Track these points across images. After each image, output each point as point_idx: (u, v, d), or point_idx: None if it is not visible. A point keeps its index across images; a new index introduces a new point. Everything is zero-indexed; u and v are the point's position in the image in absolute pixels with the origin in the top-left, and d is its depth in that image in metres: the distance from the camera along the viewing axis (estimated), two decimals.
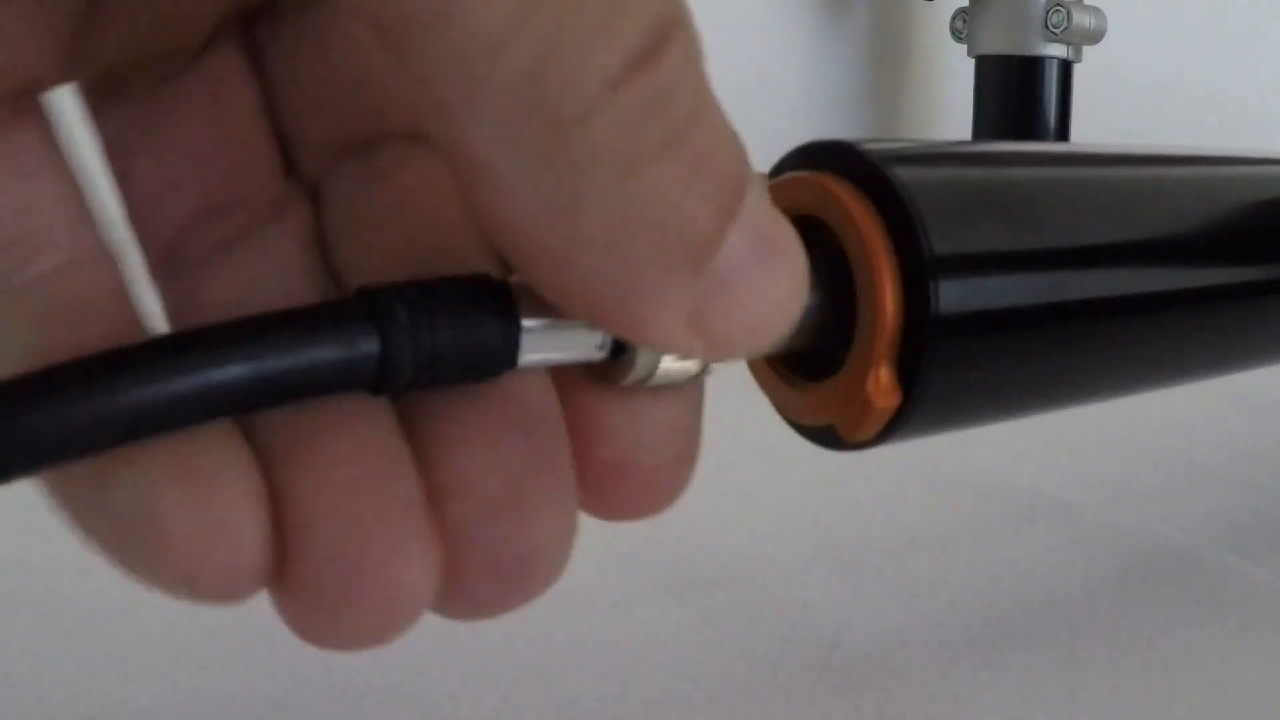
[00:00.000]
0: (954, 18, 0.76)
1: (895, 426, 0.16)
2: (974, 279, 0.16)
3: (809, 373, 0.17)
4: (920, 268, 0.16)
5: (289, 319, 0.12)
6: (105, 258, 0.13)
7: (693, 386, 0.15)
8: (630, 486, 0.14)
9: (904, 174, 0.16)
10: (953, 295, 0.16)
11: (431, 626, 0.13)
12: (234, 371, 0.11)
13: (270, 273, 0.14)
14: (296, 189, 0.15)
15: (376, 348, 0.12)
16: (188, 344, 0.11)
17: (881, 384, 0.16)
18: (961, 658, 0.23)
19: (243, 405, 0.11)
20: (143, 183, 0.14)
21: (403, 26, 0.10)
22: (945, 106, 0.83)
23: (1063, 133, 0.73)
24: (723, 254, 0.11)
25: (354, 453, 0.12)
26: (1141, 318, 0.20)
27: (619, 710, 0.21)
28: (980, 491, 0.34)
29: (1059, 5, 0.71)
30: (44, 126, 0.13)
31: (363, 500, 0.12)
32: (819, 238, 0.16)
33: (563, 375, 0.14)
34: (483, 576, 0.13)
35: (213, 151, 0.14)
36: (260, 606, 0.13)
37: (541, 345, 0.13)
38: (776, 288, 0.12)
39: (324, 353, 0.11)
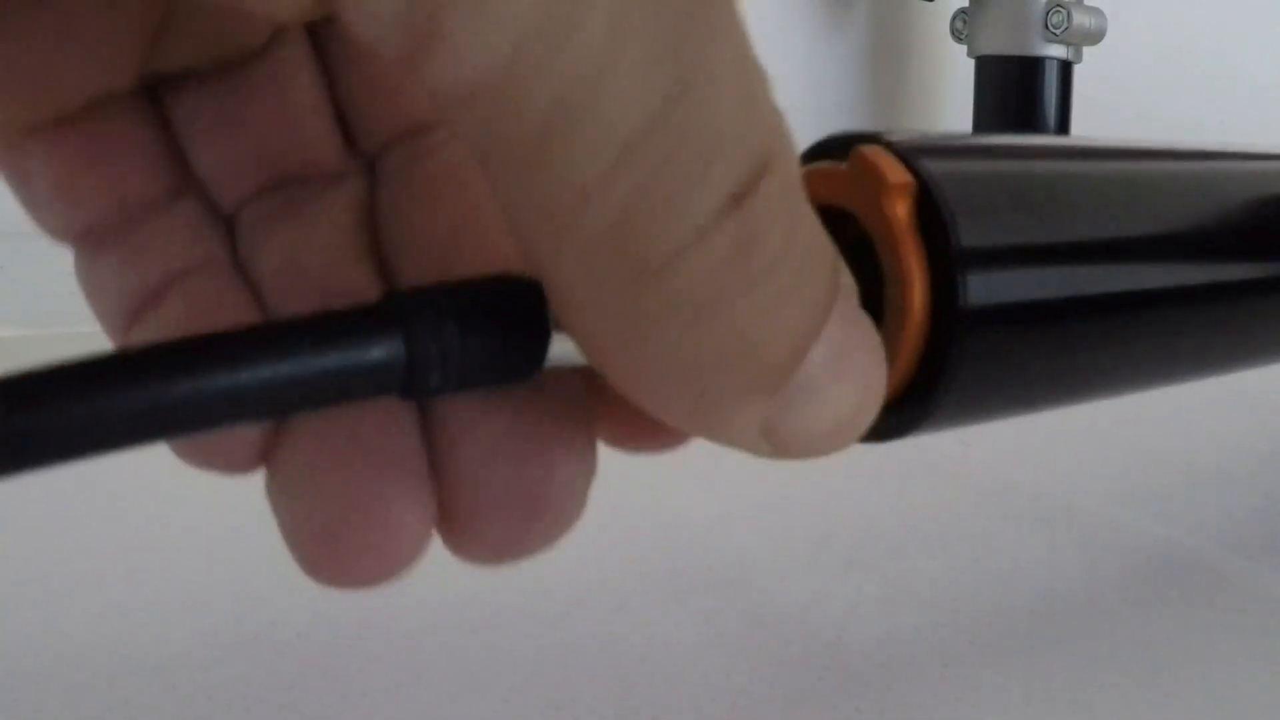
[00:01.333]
0: (954, 18, 0.76)
1: (920, 420, 0.16)
2: (1002, 272, 0.16)
3: None
4: (949, 260, 0.16)
5: (314, 325, 0.11)
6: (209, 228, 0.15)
7: None
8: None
9: (932, 166, 0.16)
10: (981, 288, 0.16)
11: (433, 627, 0.13)
12: (256, 375, 0.11)
13: (321, 240, 0.15)
14: (355, 163, 0.16)
15: (403, 354, 0.12)
16: (210, 347, 0.11)
17: None
18: (963, 658, 0.23)
19: (267, 410, 0.11)
20: (206, 159, 0.15)
21: (498, 160, 0.10)
22: (945, 106, 0.83)
23: (1063, 133, 0.73)
24: (800, 374, 0.11)
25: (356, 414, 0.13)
26: (1169, 312, 0.20)
27: (619, 711, 0.21)
28: (981, 491, 0.34)
29: (1059, 5, 0.71)
30: (142, 111, 0.15)
31: (359, 451, 0.13)
32: (846, 229, 0.16)
33: None
34: (494, 515, 0.13)
35: (276, 135, 0.15)
36: (260, 608, 0.13)
37: (571, 345, 0.13)
38: (852, 399, 0.12)
39: (350, 359, 0.11)
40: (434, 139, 0.15)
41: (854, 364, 0.12)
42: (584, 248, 0.10)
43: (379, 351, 0.11)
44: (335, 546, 0.13)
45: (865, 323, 0.12)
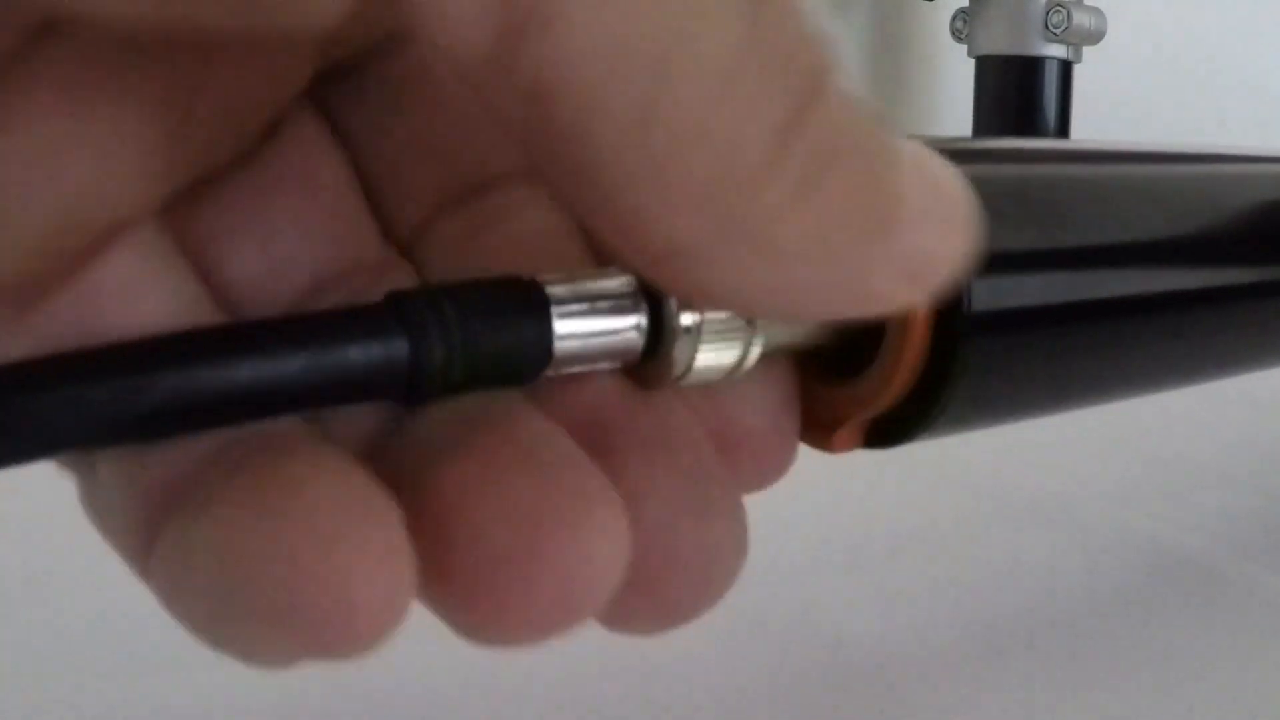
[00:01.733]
0: (954, 18, 0.76)
1: (924, 425, 0.16)
2: (1006, 277, 0.16)
3: (835, 369, 0.17)
4: None
5: (314, 323, 0.11)
6: None
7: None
8: (742, 461, 0.15)
9: None
10: (985, 293, 0.16)
11: (433, 626, 0.13)
12: (253, 371, 0.11)
13: None
14: (393, 251, 0.15)
15: (406, 352, 0.11)
16: (199, 343, 0.11)
17: (844, 437, 0.17)
18: (963, 658, 0.23)
19: (261, 408, 0.11)
20: (248, 268, 0.13)
21: (599, 133, 0.09)
22: (945, 106, 0.83)
23: (1063, 133, 0.73)
24: (906, 213, 0.11)
25: (510, 443, 0.12)
26: (1174, 315, 0.20)
27: (620, 710, 0.21)
28: (982, 492, 0.34)
29: (1059, 5, 0.71)
30: (142, 249, 0.12)
31: (531, 485, 0.11)
32: None
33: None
34: (672, 578, 0.13)
35: (315, 223, 0.14)
36: None
37: (576, 348, 0.13)
38: (950, 209, 0.12)
39: (350, 356, 0.11)
40: (490, 209, 0.14)
41: (944, 187, 0.12)
42: (693, 204, 0.10)
43: (381, 349, 0.11)
44: (507, 600, 0.11)
45: (926, 157, 0.12)
